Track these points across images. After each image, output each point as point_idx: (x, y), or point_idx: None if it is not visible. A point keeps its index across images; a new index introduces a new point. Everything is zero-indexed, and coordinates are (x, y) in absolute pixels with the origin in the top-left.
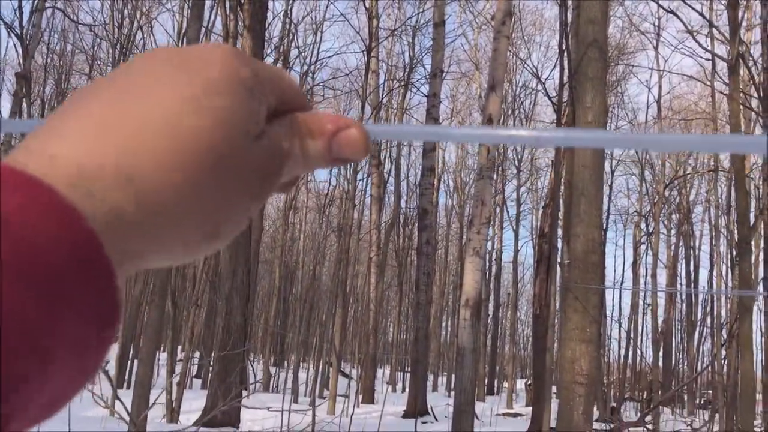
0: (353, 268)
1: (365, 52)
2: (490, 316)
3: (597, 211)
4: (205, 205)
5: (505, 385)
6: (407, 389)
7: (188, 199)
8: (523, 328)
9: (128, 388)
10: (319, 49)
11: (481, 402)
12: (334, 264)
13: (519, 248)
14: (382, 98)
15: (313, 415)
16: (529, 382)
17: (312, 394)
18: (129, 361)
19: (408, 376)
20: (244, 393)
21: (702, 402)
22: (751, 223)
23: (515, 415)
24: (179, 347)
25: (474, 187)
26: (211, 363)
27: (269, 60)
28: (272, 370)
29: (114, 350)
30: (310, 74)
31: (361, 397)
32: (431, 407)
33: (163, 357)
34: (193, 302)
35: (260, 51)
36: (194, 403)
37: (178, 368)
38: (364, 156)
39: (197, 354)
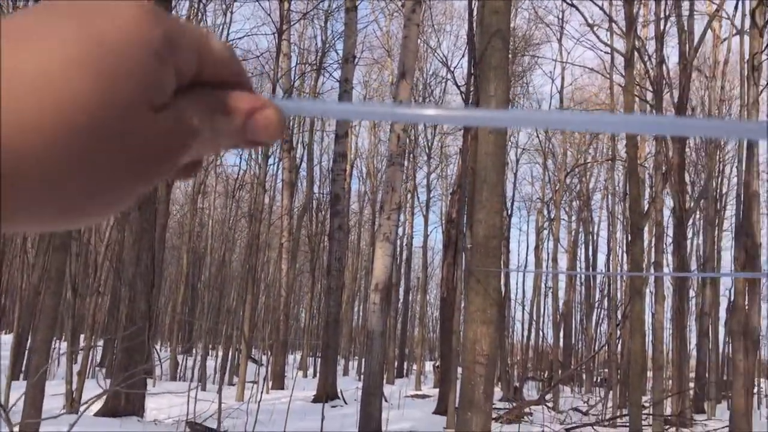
0: (264, 254)
1: (276, 35)
2: (401, 300)
3: (498, 197)
4: (71, 178)
5: (415, 367)
6: (318, 374)
7: (51, 167)
8: (432, 312)
9: (25, 379)
10: (229, 30)
11: (390, 385)
12: (244, 250)
13: (429, 233)
14: (294, 81)
15: (219, 402)
16: (437, 364)
17: (220, 380)
18: (26, 352)
19: (319, 361)
20: (150, 381)
21: (599, 380)
22: (644, 210)
23: (423, 396)
24: (81, 336)
25: (385, 173)
26: (115, 352)
27: None
28: (180, 358)
29: (9, 340)
30: None
31: (271, 383)
32: (341, 391)
33: (64, 346)
34: (95, 289)
35: None
36: (97, 392)
37: (82, 358)
38: (278, 137)
39: (101, 342)
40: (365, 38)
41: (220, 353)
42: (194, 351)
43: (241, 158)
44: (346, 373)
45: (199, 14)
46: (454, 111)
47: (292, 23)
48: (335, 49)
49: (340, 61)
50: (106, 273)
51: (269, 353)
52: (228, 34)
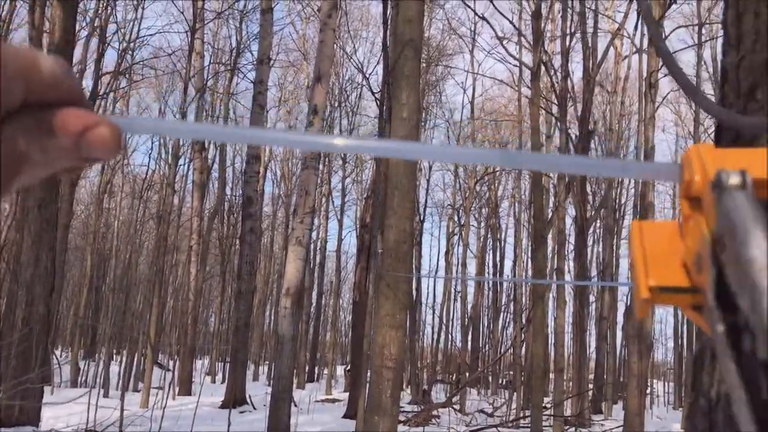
0: (173, 256)
1: (189, 33)
2: (314, 304)
3: (410, 203)
4: None
5: (326, 371)
6: (227, 379)
7: None
8: (345, 316)
9: None
10: (140, 26)
11: (301, 389)
12: (152, 252)
13: (343, 237)
14: (207, 81)
15: (122, 409)
16: (348, 368)
17: (123, 386)
18: None
19: (228, 366)
20: (47, 389)
21: (504, 382)
22: (548, 219)
23: (333, 400)
24: None
25: (299, 176)
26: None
27: (83, 34)
28: (82, 363)
29: None
30: (130, 52)
31: (177, 389)
32: (250, 396)
33: None
34: None
35: (72, 23)
36: None
37: None
38: (115, 154)
39: None
40: (281, 40)
41: (125, 358)
42: (97, 356)
43: (149, 157)
44: (256, 378)
45: (108, 8)
46: (301, 136)
47: (205, 22)
48: (250, 50)
49: (254, 63)
50: (2, 275)
51: (176, 358)
52: (139, 30)
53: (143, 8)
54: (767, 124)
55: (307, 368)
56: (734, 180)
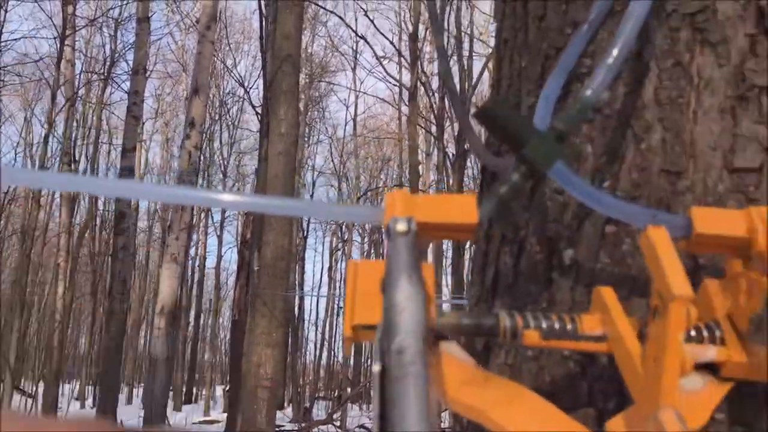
0: (38, 274)
1: (58, 40)
2: (191, 323)
3: (287, 220)
4: None
5: (205, 392)
6: (97, 404)
7: None
8: (225, 334)
9: None
10: (2, 29)
11: (177, 411)
12: (14, 270)
13: (223, 254)
14: (78, 90)
15: None
16: (226, 388)
17: None
18: None
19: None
20: None
21: None
22: None
23: (212, 422)
24: None
25: None
26: None
27: None
28: None
29: None
30: None
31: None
32: (121, 421)
33: None
34: None
35: None
36: None
37: None
38: None
39: None
40: (159, 50)
41: None
42: None
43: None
44: (130, 401)
45: None
46: (189, 191)
47: (77, 29)
48: (126, 59)
49: (130, 72)
50: None
51: (41, 383)
52: (1, 34)
53: (6, 11)
54: (514, 163)
55: (184, 389)
56: (401, 227)
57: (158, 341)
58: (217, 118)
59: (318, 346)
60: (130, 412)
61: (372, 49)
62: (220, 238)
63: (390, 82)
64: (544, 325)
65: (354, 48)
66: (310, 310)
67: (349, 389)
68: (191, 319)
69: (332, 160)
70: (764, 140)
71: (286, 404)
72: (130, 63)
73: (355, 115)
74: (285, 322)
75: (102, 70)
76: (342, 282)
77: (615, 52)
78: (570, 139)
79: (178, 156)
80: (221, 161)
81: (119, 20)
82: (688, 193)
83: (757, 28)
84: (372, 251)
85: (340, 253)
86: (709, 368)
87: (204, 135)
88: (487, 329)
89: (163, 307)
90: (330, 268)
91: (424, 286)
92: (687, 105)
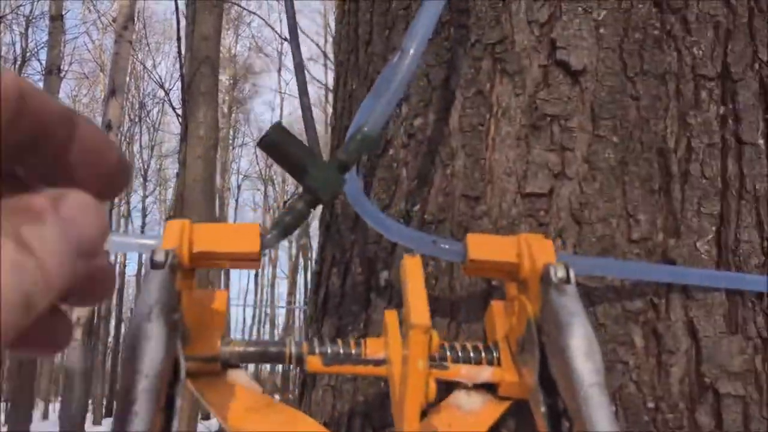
0: None
1: None
2: (112, 333)
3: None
4: None
5: None
6: (6, 421)
7: None
8: None
9: None
10: None
11: (98, 425)
12: None
13: (143, 261)
14: None
15: None
16: None
17: None
18: None
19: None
20: None
21: None
22: None
23: None
24: None
25: None
26: None
27: None
28: None
29: None
30: None
31: None
32: None
33: None
34: None
35: None
36: None
37: None
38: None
39: None
40: (75, 50)
41: None
42: None
43: None
44: (46, 416)
45: None
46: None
47: None
48: (38, 58)
49: (43, 73)
50: None
51: None
52: None
53: None
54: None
55: (105, 402)
56: (158, 258)
57: (74, 353)
58: (137, 120)
59: None
60: (48, 426)
61: (293, 52)
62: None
63: (315, 85)
64: (328, 351)
65: (279, 50)
66: (237, 318)
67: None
68: (111, 328)
69: (258, 163)
70: (554, 167)
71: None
72: (44, 63)
73: (281, 117)
74: None
75: (13, 70)
76: (268, 288)
77: (393, 87)
78: (351, 169)
79: None
80: (141, 164)
81: (30, 18)
82: (485, 217)
83: (549, 59)
84: (300, 256)
85: (266, 259)
86: (489, 388)
87: (123, 138)
88: (274, 356)
89: (79, 318)
90: (257, 275)
91: (173, 321)
92: (487, 132)
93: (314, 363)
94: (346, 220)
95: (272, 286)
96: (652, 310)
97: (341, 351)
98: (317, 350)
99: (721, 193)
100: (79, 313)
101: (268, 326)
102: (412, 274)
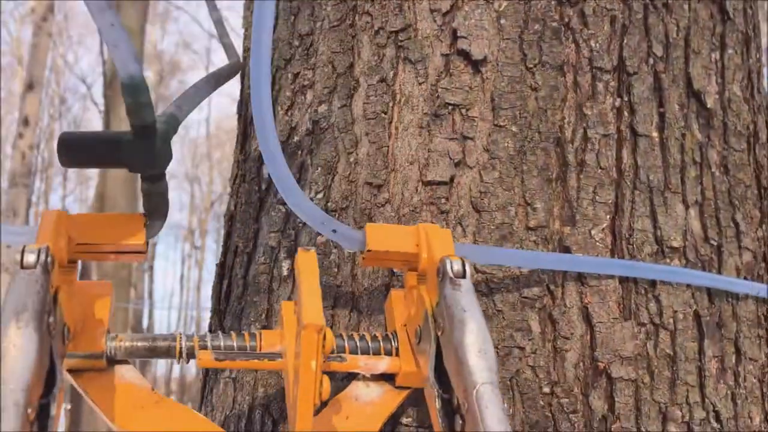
0: None
1: None
2: None
3: None
4: None
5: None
6: None
7: None
8: None
9: None
10: None
11: None
12: None
13: None
14: None
15: None
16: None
17: None
18: None
19: None
20: None
21: None
22: None
23: None
24: None
25: (6, 195)
26: None
27: None
28: None
29: None
30: None
31: None
32: None
33: None
34: None
35: None
36: None
37: None
38: None
39: None
40: None
41: None
42: None
43: None
44: None
45: None
46: None
47: None
48: None
49: None
50: None
51: None
52: None
53: None
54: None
55: None
56: (28, 259)
57: None
58: (57, 116)
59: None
60: None
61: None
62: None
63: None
64: (221, 344)
65: (207, 46)
66: (161, 320)
67: None
68: None
69: (184, 163)
70: (455, 155)
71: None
72: None
73: (209, 115)
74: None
75: None
76: (194, 290)
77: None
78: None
79: (10, 156)
80: None
81: None
82: (387, 204)
83: (451, 48)
84: None
85: (192, 260)
86: (387, 377)
87: (42, 134)
88: (163, 351)
89: None
90: (182, 277)
91: (47, 325)
92: (390, 120)
93: (205, 358)
94: (250, 209)
95: (198, 288)
96: (549, 296)
97: (235, 345)
98: (209, 344)
99: (616, 183)
100: None
101: (194, 328)
102: (306, 269)
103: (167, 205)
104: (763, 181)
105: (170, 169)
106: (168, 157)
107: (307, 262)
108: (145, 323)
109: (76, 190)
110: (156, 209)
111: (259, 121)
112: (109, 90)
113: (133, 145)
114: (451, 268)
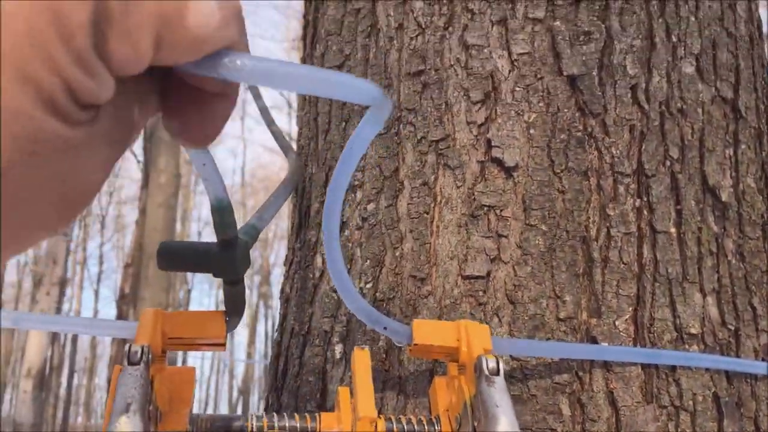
0: None
1: None
2: (64, 385)
3: (165, 274)
4: None
5: None
6: None
7: None
8: (101, 396)
9: None
10: None
11: None
12: None
13: (99, 310)
14: None
15: None
16: None
17: None
18: None
19: None
20: None
21: None
22: None
23: None
24: None
25: (45, 242)
26: None
27: None
28: None
29: None
30: None
31: None
32: None
33: None
34: None
35: None
36: None
37: None
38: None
39: None
40: None
41: None
42: None
43: None
44: None
45: None
46: None
47: None
48: None
49: None
50: None
51: None
52: None
53: None
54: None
55: None
56: (134, 356)
57: (24, 406)
58: None
59: (203, 405)
60: None
61: (260, 98)
62: (96, 292)
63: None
64: (286, 425)
65: (242, 97)
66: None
67: None
68: (63, 379)
69: None
70: (491, 252)
71: None
72: None
73: (244, 164)
74: None
75: None
76: (229, 338)
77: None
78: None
79: None
80: (99, 210)
81: None
82: (430, 296)
83: (486, 156)
84: (260, 304)
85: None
86: None
87: None
88: (238, 430)
89: (30, 369)
90: None
91: (147, 413)
92: (431, 219)
93: None
94: (305, 293)
95: (231, 335)
96: (578, 382)
97: (298, 426)
98: (276, 425)
99: (638, 277)
100: (29, 364)
101: (227, 377)
102: (360, 366)
103: (244, 304)
104: None
105: (205, 216)
106: (247, 264)
107: (361, 359)
108: None
109: (113, 238)
110: (235, 308)
111: (329, 245)
112: (148, 143)
113: (218, 256)
114: (487, 366)
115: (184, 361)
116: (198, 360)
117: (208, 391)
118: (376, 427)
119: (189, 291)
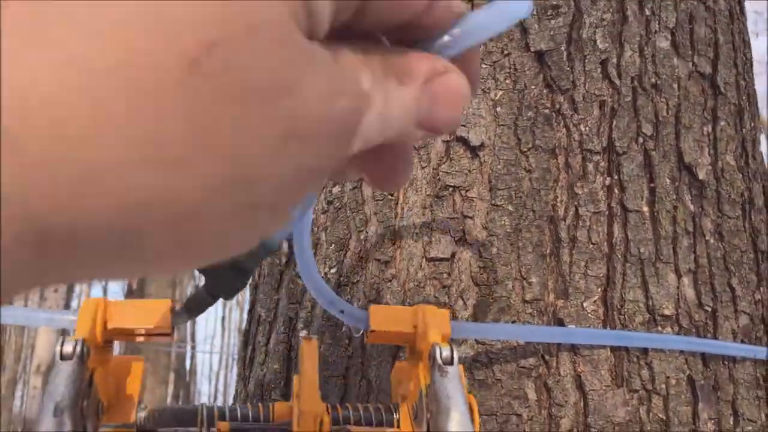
0: None
1: None
2: None
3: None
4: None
5: None
6: None
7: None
8: None
9: None
10: None
11: None
12: None
13: None
14: None
15: None
16: None
17: None
18: None
19: None
20: None
21: None
22: None
23: None
24: None
25: None
26: None
27: None
28: None
29: None
30: None
31: None
32: None
33: None
34: None
35: None
36: None
37: None
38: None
39: None
40: None
41: None
42: None
43: None
44: None
45: None
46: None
47: None
48: None
49: None
50: None
51: None
52: None
53: None
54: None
55: None
56: (66, 349)
57: (34, 402)
58: None
59: (211, 400)
60: None
61: None
62: (104, 288)
63: None
64: (238, 414)
65: None
66: (203, 363)
67: None
68: None
69: None
70: (455, 233)
71: None
72: None
73: None
74: (167, 377)
75: None
76: (236, 332)
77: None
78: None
79: None
80: None
81: None
82: (394, 280)
83: (451, 135)
84: None
85: (233, 301)
86: None
87: None
88: (189, 421)
89: (39, 365)
90: (223, 318)
91: (81, 410)
92: (396, 201)
93: (224, 429)
94: (272, 281)
95: (239, 330)
96: (544, 365)
97: (250, 415)
98: (227, 414)
99: (607, 257)
100: (39, 360)
101: (235, 371)
102: (307, 358)
103: (203, 311)
104: (760, 245)
105: None
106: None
107: (308, 350)
108: (188, 365)
109: None
110: (195, 309)
111: (298, 239)
112: None
113: (225, 276)
114: (440, 354)
115: (192, 356)
116: (206, 355)
117: (217, 385)
118: (321, 421)
119: (196, 287)
